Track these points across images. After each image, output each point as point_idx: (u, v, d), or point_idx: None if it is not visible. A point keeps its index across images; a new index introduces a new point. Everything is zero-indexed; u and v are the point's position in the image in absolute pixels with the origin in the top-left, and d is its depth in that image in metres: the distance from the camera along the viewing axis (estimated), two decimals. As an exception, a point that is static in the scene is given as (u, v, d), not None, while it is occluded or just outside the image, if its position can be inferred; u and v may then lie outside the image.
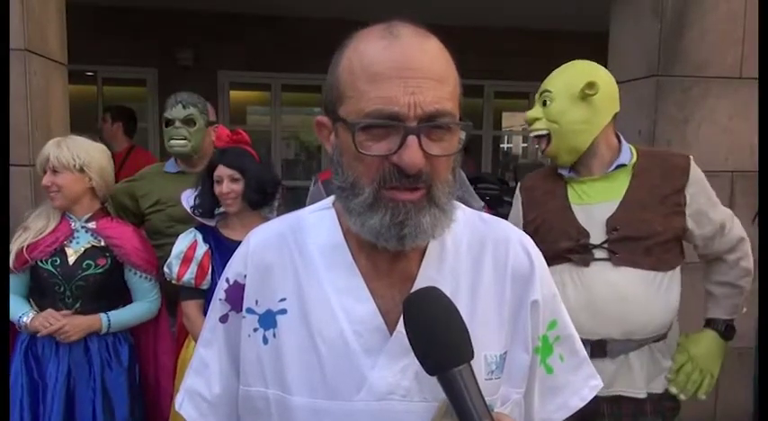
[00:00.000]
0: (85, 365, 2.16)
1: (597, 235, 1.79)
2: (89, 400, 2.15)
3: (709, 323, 1.93)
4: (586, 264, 1.78)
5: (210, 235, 2.18)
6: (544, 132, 1.86)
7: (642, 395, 1.81)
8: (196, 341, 2.19)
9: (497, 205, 5.74)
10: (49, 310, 2.11)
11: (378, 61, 0.77)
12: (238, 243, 2.21)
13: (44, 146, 2.17)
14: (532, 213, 1.94)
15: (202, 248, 2.14)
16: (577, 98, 1.80)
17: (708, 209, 1.83)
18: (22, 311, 2.12)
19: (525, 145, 9.65)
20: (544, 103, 1.86)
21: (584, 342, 1.77)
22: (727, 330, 1.91)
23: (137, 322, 2.27)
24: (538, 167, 2.53)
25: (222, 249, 2.13)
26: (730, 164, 2.88)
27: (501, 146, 10.26)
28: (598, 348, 1.77)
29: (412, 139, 0.75)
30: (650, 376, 1.83)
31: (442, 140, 0.78)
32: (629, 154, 1.86)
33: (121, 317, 2.22)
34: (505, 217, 1.74)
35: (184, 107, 2.52)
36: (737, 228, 1.88)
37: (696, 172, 1.82)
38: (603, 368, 1.73)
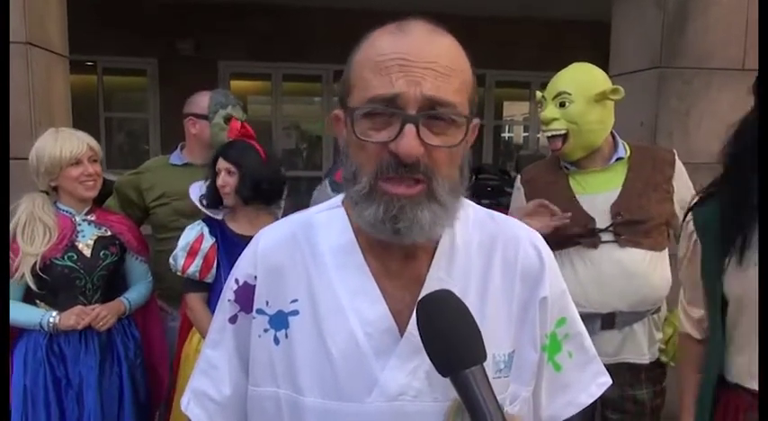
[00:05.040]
0: (112, 352, 2.20)
1: (602, 220, 1.98)
2: (116, 387, 2.19)
3: None
4: (595, 246, 1.97)
5: (217, 228, 2.17)
6: (563, 132, 1.98)
7: (646, 360, 2.02)
8: (200, 332, 2.19)
9: (498, 195, 5.74)
10: (79, 307, 2.12)
11: (383, 51, 0.78)
12: (244, 237, 2.20)
13: (49, 139, 2.13)
14: None
15: (208, 241, 2.13)
16: (593, 100, 1.96)
17: (689, 197, 1.98)
18: (39, 314, 2.09)
19: (527, 134, 9.62)
20: (562, 105, 1.98)
21: (595, 315, 1.92)
22: None
23: (141, 303, 2.34)
24: (539, 158, 2.56)
25: (228, 243, 2.12)
26: (732, 155, 2.88)
27: (502, 135, 10.24)
28: (608, 320, 1.97)
29: (409, 128, 0.75)
30: (649, 344, 2.03)
31: (444, 134, 0.78)
32: (623, 148, 2.05)
33: (134, 298, 2.29)
34: (506, 207, 1.76)
35: (242, 109, 2.58)
36: None
37: (680, 165, 2.04)
38: (612, 338, 1.98)
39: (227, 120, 2.48)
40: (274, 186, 2.19)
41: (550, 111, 1.99)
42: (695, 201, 1.61)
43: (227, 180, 2.11)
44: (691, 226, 1.58)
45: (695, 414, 1.60)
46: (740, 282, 1.42)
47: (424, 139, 0.75)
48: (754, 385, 1.41)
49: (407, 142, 0.74)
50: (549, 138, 2.03)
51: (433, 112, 0.76)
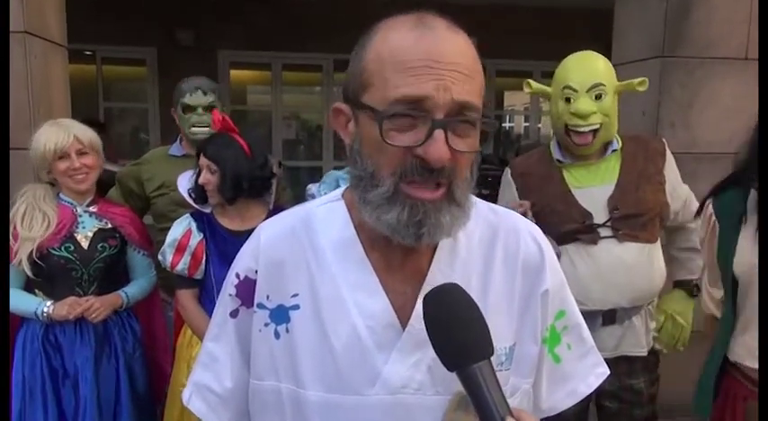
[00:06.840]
0: (108, 344, 2.20)
1: (599, 215, 1.93)
2: (113, 379, 2.19)
3: (678, 284, 2.13)
4: (595, 243, 1.92)
5: (206, 223, 2.12)
6: (597, 126, 1.90)
7: (644, 353, 2.00)
8: (193, 331, 2.18)
9: (499, 186, 5.71)
10: (72, 297, 2.12)
11: (408, 51, 0.75)
12: (235, 233, 2.16)
13: (42, 132, 2.12)
14: (530, 198, 2.01)
15: (196, 238, 2.09)
16: (615, 92, 1.92)
17: (678, 186, 2.02)
18: (36, 302, 2.09)
19: (527, 124, 9.58)
20: (598, 97, 1.89)
21: (596, 312, 1.89)
22: (694, 288, 2.10)
23: (142, 297, 2.33)
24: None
25: (217, 238, 2.08)
26: (734, 145, 2.85)
27: (503, 125, 10.20)
28: (609, 316, 1.95)
29: (439, 133, 0.73)
30: (645, 335, 2.03)
31: (467, 136, 0.77)
32: (615, 140, 2.00)
33: (133, 292, 2.28)
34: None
35: (205, 93, 2.52)
36: (695, 201, 2.03)
37: (669, 154, 2.02)
38: (613, 333, 1.96)
39: (186, 109, 2.50)
40: (257, 183, 2.10)
41: (587, 104, 1.87)
42: (714, 188, 1.66)
43: (208, 178, 2.06)
44: (710, 208, 1.62)
45: (695, 396, 1.66)
46: (750, 260, 1.47)
47: (452, 145, 0.74)
48: (754, 364, 1.45)
49: (438, 148, 0.73)
50: (576, 132, 1.90)
51: (462, 118, 0.75)
